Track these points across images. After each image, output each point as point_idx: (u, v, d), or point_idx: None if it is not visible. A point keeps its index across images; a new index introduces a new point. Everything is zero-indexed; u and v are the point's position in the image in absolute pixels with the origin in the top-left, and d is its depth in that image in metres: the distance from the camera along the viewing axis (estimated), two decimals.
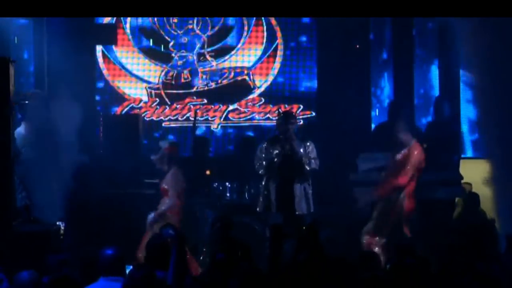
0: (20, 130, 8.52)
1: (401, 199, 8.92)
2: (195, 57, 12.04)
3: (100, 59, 11.94)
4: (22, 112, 8.49)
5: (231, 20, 12.00)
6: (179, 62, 12.04)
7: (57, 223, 8.30)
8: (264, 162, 9.07)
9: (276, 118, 9.66)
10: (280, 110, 11.66)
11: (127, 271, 6.22)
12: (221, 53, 12.05)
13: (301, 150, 8.99)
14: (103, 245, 6.25)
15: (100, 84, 11.94)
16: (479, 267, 5.97)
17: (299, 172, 8.97)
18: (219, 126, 11.90)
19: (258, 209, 9.21)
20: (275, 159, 9.01)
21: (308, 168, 8.98)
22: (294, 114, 9.37)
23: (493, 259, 6.47)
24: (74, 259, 6.67)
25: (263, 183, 9.15)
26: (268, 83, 12.01)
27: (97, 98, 11.83)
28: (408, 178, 8.90)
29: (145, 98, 11.98)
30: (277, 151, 9.01)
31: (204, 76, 12.04)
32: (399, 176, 8.91)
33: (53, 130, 8.75)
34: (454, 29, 10.92)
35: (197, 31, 12.04)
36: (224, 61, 12.04)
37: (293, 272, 5.86)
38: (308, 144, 9.07)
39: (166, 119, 11.88)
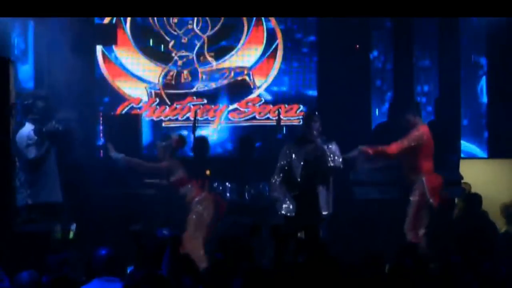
0: (24, 130, 8.51)
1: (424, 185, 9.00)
2: (195, 57, 12.05)
3: (100, 59, 11.95)
4: (25, 113, 8.47)
5: (231, 20, 11.99)
6: (179, 62, 12.04)
7: (72, 225, 8.33)
8: (281, 168, 8.91)
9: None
10: (280, 110, 11.67)
11: (128, 272, 6.23)
12: (221, 53, 12.05)
13: (326, 148, 8.80)
14: (103, 245, 6.26)
15: (100, 84, 11.93)
16: (485, 268, 5.96)
17: (321, 172, 8.81)
18: (219, 126, 11.90)
19: (284, 212, 8.88)
20: (296, 159, 8.86)
21: (332, 165, 8.80)
22: (315, 113, 9.17)
23: (498, 259, 6.46)
24: (74, 259, 6.67)
25: (282, 184, 8.94)
26: (268, 83, 12.01)
27: (97, 98, 11.82)
28: (398, 149, 8.97)
29: (145, 98, 11.98)
30: (299, 151, 8.89)
31: (204, 76, 12.05)
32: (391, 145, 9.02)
33: (55, 130, 8.73)
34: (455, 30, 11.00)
35: (197, 31, 12.04)
36: (224, 61, 12.04)
37: (293, 272, 5.86)
38: (331, 145, 8.87)
39: (166, 119, 11.88)
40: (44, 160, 8.42)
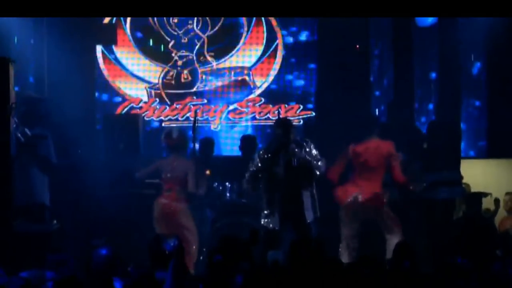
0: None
1: None
2: (195, 57, 12.04)
3: (100, 59, 11.94)
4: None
5: (231, 20, 11.99)
6: (179, 62, 12.04)
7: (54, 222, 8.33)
8: (259, 175, 8.66)
9: (274, 122, 9.26)
10: (279, 110, 11.67)
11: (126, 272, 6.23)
12: (221, 53, 12.05)
13: (306, 156, 8.51)
14: (103, 245, 6.26)
15: (100, 84, 11.94)
16: (495, 269, 5.94)
17: (305, 180, 8.59)
18: (219, 126, 11.90)
19: (271, 225, 8.57)
20: (277, 168, 8.57)
21: (318, 173, 8.58)
22: (289, 120, 8.94)
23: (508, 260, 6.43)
24: (74, 259, 6.67)
25: (266, 196, 8.68)
26: (268, 83, 12.00)
27: (97, 98, 11.81)
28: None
29: (145, 98, 11.98)
30: (279, 162, 8.54)
31: (204, 76, 12.04)
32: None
33: (50, 131, 8.71)
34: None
35: (197, 31, 12.04)
36: (224, 61, 12.04)
37: (291, 273, 5.87)
38: (305, 146, 8.61)
39: (166, 119, 11.88)
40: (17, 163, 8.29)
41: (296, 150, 8.52)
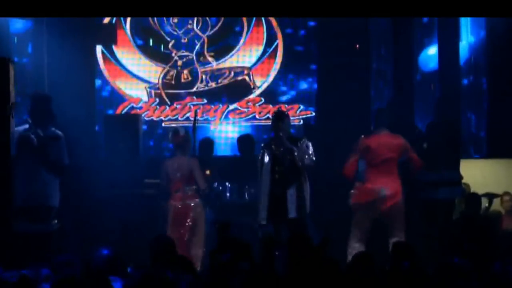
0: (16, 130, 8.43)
1: None
2: (195, 57, 12.05)
3: (100, 59, 11.95)
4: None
5: (231, 20, 12.00)
6: (179, 62, 12.05)
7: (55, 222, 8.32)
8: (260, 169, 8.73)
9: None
10: (279, 110, 11.67)
11: (126, 272, 6.24)
12: (221, 53, 12.05)
13: (293, 147, 8.56)
14: (103, 246, 6.27)
15: (100, 84, 11.94)
16: (496, 268, 5.95)
17: (291, 172, 8.60)
18: (219, 126, 11.90)
19: (262, 222, 8.67)
20: (266, 162, 8.66)
21: (300, 164, 8.59)
22: (284, 112, 8.97)
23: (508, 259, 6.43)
24: (75, 260, 6.67)
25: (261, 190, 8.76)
26: (268, 83, 12.01)
27: (97, 98, 11.81)
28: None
29: (145, 98, 11.98)
30: (269, 153, 8.68)
31: (204, 76, 12.05)
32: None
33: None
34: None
35: (197, 31, 12.04)
36: (224, 61, 12.05)
37: (291, 274, 5.88)
38: (302, 141, 8.71)
39: (166, 119, 11.88)
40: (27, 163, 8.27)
41: (284, 140, 8.53)
